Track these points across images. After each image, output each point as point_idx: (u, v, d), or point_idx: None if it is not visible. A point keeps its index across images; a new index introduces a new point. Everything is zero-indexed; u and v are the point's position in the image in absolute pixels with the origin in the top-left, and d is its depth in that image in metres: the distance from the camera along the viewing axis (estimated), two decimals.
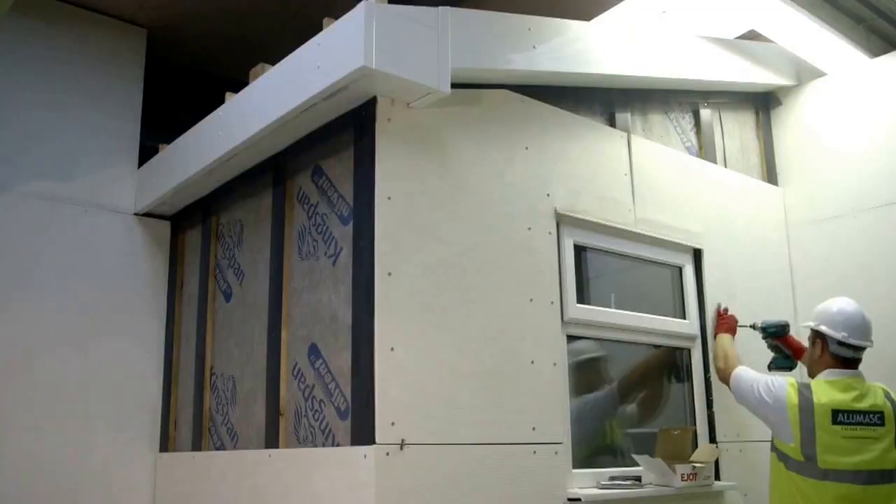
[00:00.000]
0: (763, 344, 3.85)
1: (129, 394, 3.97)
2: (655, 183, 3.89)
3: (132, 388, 3.99)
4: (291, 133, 3.22)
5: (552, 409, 3.18)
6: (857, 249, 4.06)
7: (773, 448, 3.16)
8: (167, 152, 4.01)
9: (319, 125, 3.15)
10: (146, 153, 4.19)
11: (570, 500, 3.11)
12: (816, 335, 3.19)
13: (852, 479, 2.88)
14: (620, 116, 3.87)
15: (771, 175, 4.69)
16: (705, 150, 4.32)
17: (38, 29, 4.01)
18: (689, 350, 3.94)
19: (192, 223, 4.19)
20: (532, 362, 3.15)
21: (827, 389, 3.03)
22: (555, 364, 3.23)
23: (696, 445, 3.71)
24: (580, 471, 3.28)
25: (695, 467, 3.42)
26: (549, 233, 3.36)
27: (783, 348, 3.78)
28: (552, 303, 3.29)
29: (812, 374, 3.24)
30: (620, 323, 3.63)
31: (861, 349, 3.11)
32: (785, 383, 3.11)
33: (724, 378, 3.52)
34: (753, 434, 3.96)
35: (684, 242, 3.96)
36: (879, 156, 4.20)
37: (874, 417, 2.96)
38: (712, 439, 3.83)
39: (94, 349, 3.88)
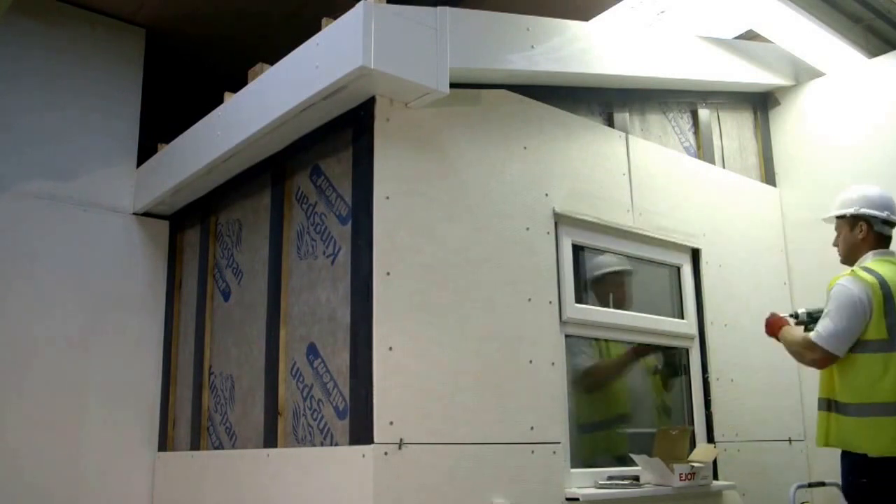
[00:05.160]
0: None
1: (128, 393, 3.97)
2: (654, 183, 3.89)
3: (131, 388, 3.99)
4: (290, 133, 3.23)
5: (550, 408, 3.18)
6: None
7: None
8: (166, 152, 4.01)
9: (318, 125, 3.16)
10: (145, 153, 4.19)
11: (568, 499, 3.12)
12: (856, 219, 3.27)
13: None
14: (619, 116, 3.87)
15: (769, 175, 4.69)
16: (703, 150, 4.32)
17: (38, 29, 4.01)
18: (686, 350, 3.94)
19: (190, 223, 4.19)
20: (530, 362, 3.15)
21: (884, 268, 3.14)
22: (553, 364, 3.23)
23: (694, 445, 3.72)
24: (578, 470, 3.29)
25: (693, 467, 3.42)
26: (548, 233, 3.36)
27: None
28: (550, 302, 3.30)
29: (851, 259, 3.29)
30: (619, 323, 3.64)
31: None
32: (849, 279, 3.10)
33: (812, 356, 3.14)
34: (752, 434, 3.98)
35: (682, 242, 3.96)
36: (878, 156, 4.20)
37: None
38: (710, 439, 3.84)
39: (93, 348, 3.88)
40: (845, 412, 3.05)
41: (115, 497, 3.83)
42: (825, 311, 3.13)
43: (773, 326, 3.41)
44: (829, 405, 3.13)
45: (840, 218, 3.34)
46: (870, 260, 3.22)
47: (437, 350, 2.86)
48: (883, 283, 3.07)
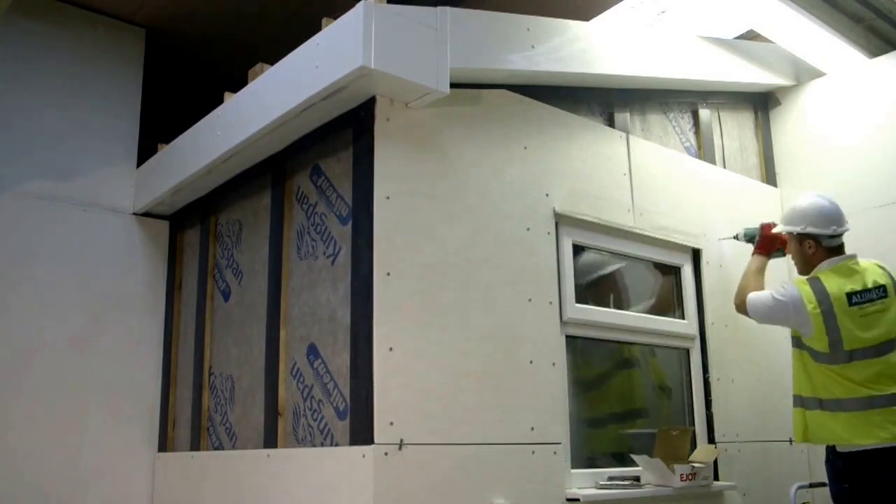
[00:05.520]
0: None
1: (128, 393, 3.97)
2: (654, 183, 3.89)
3: (131, 388, 3.99)
4: (290, 133, 3.22)
5: (551, 409, 3.18)
6: (856, 249, 4.06)
7: (798, 345, 3.29)
8: (166, 152, 4.01)
9: (318, 125, 3.15)
10: (145, 153, 4.19)
11: (568, 500, 3.11)
12: (804, 236, 3.35)
13: (875, 354, 3.10)
14: (619, 116, 3.87)
15: (770, 175, 4.69)
16: (704, 150, 4.32)
17: (37, 29, 4.01)
18: (687, 350, 3.94)
19: (190, 223, 4.19)
20: (531, 362, 3.15)
21: (834, 278, 3.22)
22: (553, 364, 3.23)
23: (694, 446, 3.71)
24: (579, 471, 3.29)
25: (693, 467, 3.42)
26: (548, 233, 3.36)
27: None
28: (551, 303, 3.29)
29: (807, 271, 3.37)
30: (619, 323, 3.64)
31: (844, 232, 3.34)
32: (794, 284, 3.25)
33: (740, 307, 3.55)
34: (752, 434, 3.97)
35: (683, 242, 3.96)
36: (878, 156, 4.20)
37: (879, 292, 3.18)
38: (711, 440, 3.83)
39: (93, 348, 3.88)
40: (809, 406, 3.23)
41: (115, 497, 3.83)
42: (774, 289, 3.32)
43: (761, 247, 3.71)
44: (801, 401, 3.28)
45: (790, 234, 3.41)
46: (824, 269, 3.28)
47: (438, 350, 2.86)
48: (824, 301, 3.15)
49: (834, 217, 3.31)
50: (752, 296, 3.44)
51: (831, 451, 3.19)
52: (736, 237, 3.91)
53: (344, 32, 2.81)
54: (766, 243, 3.72)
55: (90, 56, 4.14)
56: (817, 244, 3.32)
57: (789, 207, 3.47)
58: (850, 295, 3.15)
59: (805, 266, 3.39)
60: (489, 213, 3.15)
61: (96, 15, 4.18)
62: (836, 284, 3.19)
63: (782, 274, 4.42)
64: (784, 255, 3.81)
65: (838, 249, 3.33)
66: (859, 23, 4.38)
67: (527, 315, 3.19)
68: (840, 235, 3.32)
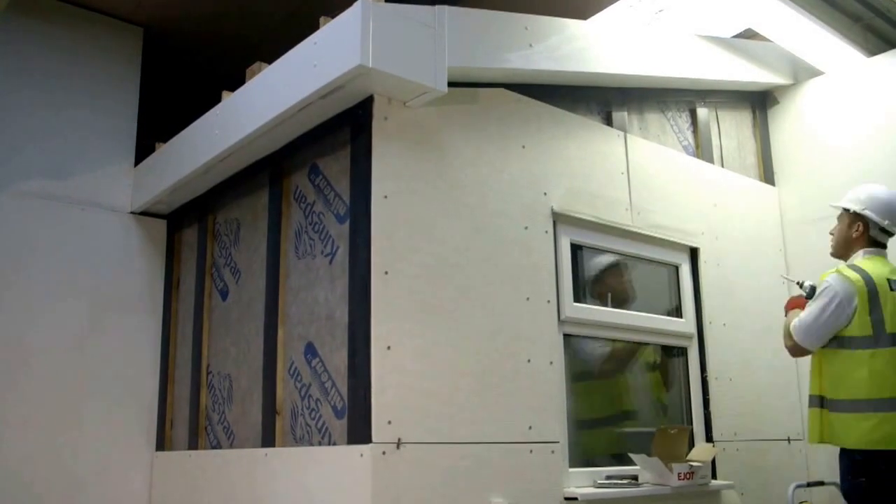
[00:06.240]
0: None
1: (126, 392, 3.97)
2: (652, 182, 3.89)
3: (128, 387, 3.98)
4: (288, 132, 3.22)
5: (549, 408, 3.18)
6: None
7: (833, 342, 3.12)
8: (164, 151, 4.00)
9: (316, 124, 3.15)
10: (143, 152, 4.18)
11: (566, 499, 3.11)
12: (857, 217, 3.30)
13: None
14: (617, 115, 3.87)
15: (768, 174, 4.69)
16: (702, 149, 4.32)
17: (35, 28, 4.00)
18: (685, 349, 3.94)
19: (188, 222, 4.18)
20: (529, 361, 3.15)
21: (872, 265, 3.20)
22: (551, 363, 3.23)
23: (692, 444, 3.71)
24: (577, 470, 3.29)
25: (691, 466, 3.42)
26: (546, 232, 3.36)
27: None
28: (549, 302, 3.29)
29: (841, 253, 3.35)
30: (617, 322, 3.64)
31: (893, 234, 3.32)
32: (835, 276, 3.15)
33: (788, 344, 3.28)
34: (750, 433, 3.98)
35: (681, 241, 3.96)
36: (876, 154, 4.20)
37: None
38: (709, 438, 3.84)
39: (91, 348, 3.87)
40: (833, 408, 3.10)
41: (113, 496, 3.82)
42: (809, 304, 3.19)
43: (790, 305, 3.47)
44: (820, 402, 3.16)
45: (844, 210, 3.36)
46: (860, 258, 3.26)
47: (436, 349, 2.86)
48: (868, 281, 3.11)
49: (894, 214, 3.28)
50: (795, 321, 3.21)
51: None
52: (800, 284, 3.55)
53: (342, 31, 2.80)
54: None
55: (88, 55, 4.13)
56: (866, 229, 3.29)
57: (858, 188, 3.37)
58: (890, 281, 3.14)
59: (841, 247, 3.36)
60: (487, 211, 3.15)
61: (94, 14, 4.17)
62: (875, 269, 3.17)
63: (779, 275, 4.43)
64: None
65: (879, 245, 3.31)
66: (857, 22, 4.38)
67: (524, 314, 3.19)
68: (889, 234, 3.30)
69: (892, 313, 3.09)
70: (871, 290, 3.10)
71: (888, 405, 3.01)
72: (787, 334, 3.26)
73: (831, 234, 3.44)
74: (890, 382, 3.04)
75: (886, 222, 3.26)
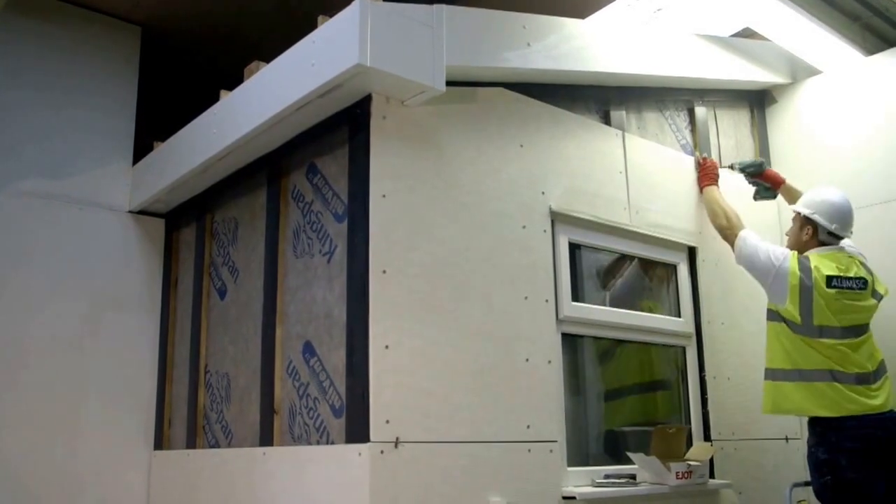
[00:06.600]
0: None
1: (124, 391, 3.97)
2: (650, 181, 3.89)
3: (127, 386, 3.98)
4: (286, 131, 3.22)
5: (547, 407, 3.18)
6: None
7: (773, 318, 3.33)
8: (162, 150, 4.00)
9: (314, 123, 3.15)
10: (141, 151, 4.18)
11: (564, 498, 3.11)
12: (807, 220, 3.43)
13: (841, 335, 3.22)
14: (615, 114, 3.87)
15: None
16: (700, 147, 4.32)
17: (33, 27, 3.99)
18: (683, 348, 3.94)
19: (186, 221, 4.18)
20: (527, 360, 3.15)
21: (821, 260, 3.31)
22: (550, 362, 3.23)
23: (690, 444, 3.72)
24: (575, 469, 3.29)
25: (689, 465, 3.43)
26: (544, 231, 3.36)
27: (762, 183, 4.03)
28: (547, 301, 3.29)
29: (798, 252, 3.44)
30: (615, 321, 3.64)
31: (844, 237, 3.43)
32: (788, 254, 3.32)
33: (729, 237, 3.60)
34: (748, 433, 3.98)
35: (679, 240, 3.96)
36: (875, 153, 4.20)
37: (859, 283, 3.30)
38: (707, 438, 3.84)
39: (89, 347, 3.87)
40: (778, 377, 3.30)
41: (111, 496, 3.82)
42: (770, 247, 3.38)
43: (707, 177, 3.94)
44: (772, 374, 3.34)
45: (797, 213, 3.49)
46: (814, 252, 3.37)
47: (434, 348, 2.86)
48: (806, 279, 3.22)
49: (842, 219, 3.38)
50: (748, 239, 3.47)
51: (813, 444, 3.22)
52: (731, 167, 4.01)
53: (340, 30, 2.80)
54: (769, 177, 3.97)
55: (86, 54, 4.13)
56: (814, 233, 3.40)
57: (814, 190, 3.51)
58: (830, 277, 3.24)
59: (793, 247, 3.46)
60: (485, 211, 3.15)
61: (92, 13, 4.17)
62: (821, 265, 3.27)
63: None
64: (774, 196, 4.02)
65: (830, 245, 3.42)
66: (856, 21, 4.38)
67: (523, 313, 3.19)
68: (837, 238, 3.40)
69: (822, 308, 3.20)
70: (805, 287, 3.21)
71: (801, 376, 3.22)
72: (729, 228, 3.58)
73: (787, 234, 3.59)
74: (822, 361, 3.21)
75: (834, 226, 3.36)
